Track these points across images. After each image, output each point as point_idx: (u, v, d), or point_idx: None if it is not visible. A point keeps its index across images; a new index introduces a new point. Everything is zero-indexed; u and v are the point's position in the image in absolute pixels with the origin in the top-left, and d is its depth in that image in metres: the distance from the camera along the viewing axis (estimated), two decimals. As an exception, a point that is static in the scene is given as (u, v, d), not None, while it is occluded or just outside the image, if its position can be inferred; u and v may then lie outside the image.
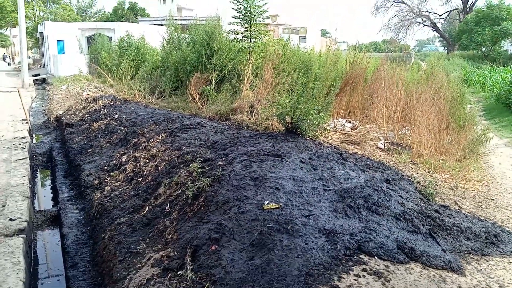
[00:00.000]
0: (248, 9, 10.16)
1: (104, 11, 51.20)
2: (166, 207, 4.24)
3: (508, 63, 29.04)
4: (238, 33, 10.87)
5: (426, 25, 50.57)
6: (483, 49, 35.38)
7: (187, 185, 4.25)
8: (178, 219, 3.84)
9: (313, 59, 11.42)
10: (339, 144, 6.24)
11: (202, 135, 6.19)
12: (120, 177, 5.75)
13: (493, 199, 5.21)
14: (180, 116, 7.97)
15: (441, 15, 51.59)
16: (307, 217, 3.26)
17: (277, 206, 3.45)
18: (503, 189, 5.82)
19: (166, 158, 5.56)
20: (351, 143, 6.43)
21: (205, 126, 6.84)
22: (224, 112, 8.38)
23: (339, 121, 7.77)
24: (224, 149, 5.22)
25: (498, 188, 5.83)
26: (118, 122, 8.44)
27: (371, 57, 11.96)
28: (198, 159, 4.91)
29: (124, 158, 6.23)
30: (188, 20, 17.37)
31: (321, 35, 51.06)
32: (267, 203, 3.50)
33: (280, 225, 3.14)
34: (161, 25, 16.19)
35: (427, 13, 49.87)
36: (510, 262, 3.24)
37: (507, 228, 4.07)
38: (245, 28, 10.54)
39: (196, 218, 3.66)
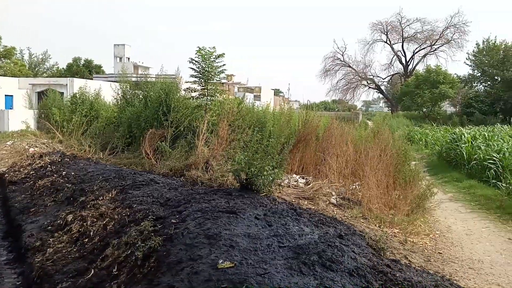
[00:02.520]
0: (206, 69, 10.48)
1: (58, 67, 50.57)
2: (114, 270, 4.01)
3: (448, 122, 31.40)
4: (195, 91, 11.09)
5: (371, 87, 54.25)
6: (424, 109, 38.17)
7: (137, 245, 4.07)
8: (126, 282, 3.63)
9: (267, 117, 11.78)
10: (293, 200, 6.31)
11: (155, 192, 6.05)
12: (64, 238, 5.42)
13: (441, 253, 5.40)
14: (132, 173, 7.79)
15: (384, 78, 55.75)
16: (262, 275, 3.20)
17: (231, 265, 3.37)
18: (449, 242, 6.06)
19: (116, 216, 5.34)
20: (305, 199, 6.53)
21: (158, 183, 6.71)
22: (179, 168, 8.30)
23: (293, 177, 7.91)
24: (178, 206, 5.11)
25: (445, 242, 6.06)
26: (66, 179, 8.10)
27: (322, 115, 12.53)
28: (150, 217, 4.76)
29: (70, 217, 5.92)
30: (143, 77, 17.56)
31: (274, 94, 53.06)
32: (221, 262, 3.42)
33: (235, 285, 3.05)
34: (116, 81, 16.27)
35: (371, 77, 53.70)
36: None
37: (455, 282, 4.20)
38: (202, 86, 10.79)
39: (146, 280, 3.48)
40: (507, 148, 11.71)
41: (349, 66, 52.95)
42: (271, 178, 5.90)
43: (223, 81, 12.61)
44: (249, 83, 50.01)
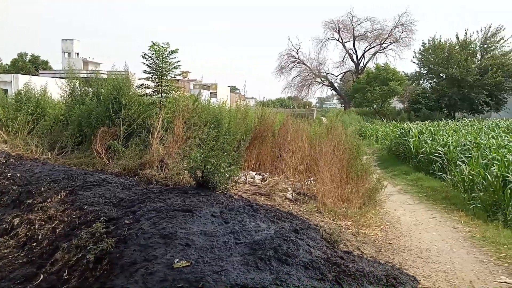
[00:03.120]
0: (160, 65, 10.25)
1: (1, 63, 47.60)
2: (64, 274, 3.84)
3: (397, 118, 32.81)
4: (149, 88, 10.82)
5: (325, 85, 55.64)
6: (375, 106, 39.64)
7: (88, 247, 3.93)
8: (77, 286, 3.49)
9: (223, 114, 11.74)
10: (250, 196, 6.34)
11: (108, 192, 5.86)
12: (11, 242, 5.13)
13: (391, 243, 5.64)
14: (83, 173, 7.49)
15: (337, 75, 57.38)
16: (219, 273, 3.20)
17: (187, 264, 3.33)
18: (399, 233, 6.34)
19: (66, 219, 5.12)
20: (262, 195, 6.57)
21: (111, 183, 6.50)
22: (133, 168, 8.08)
23: (250, 174, 7.95)
24: (132, 206, 4.98)
25: (395, 232, 6.33)
26: (11, 181, 7.64)
27: (278, 112, 12.67)
28: (102, 218, 4.60)
29: (16, 221, 5.60)
30: (93, 73, 16.89)
31: (231, 91, 53.07)
32: (177, 262, 3.37)
33: (191, 283, 3.03)
34: (64, 77, 15.52)
35: (325, 74, 55.04)
36: (408, 302, 3.48)
37: (405, 270, 4.40)
38: (156, 83, 10.55)
39: (98, 283, 3.37)
40: (451, 142, 12.40)
41: (304, 64, 54.00)
42: (227, 175, 5.89)
43: (178, 77, 12.39)
44: (205, 80, 49.62)
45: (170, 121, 10.08)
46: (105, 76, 13.78)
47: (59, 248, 4.31)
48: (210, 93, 38.58)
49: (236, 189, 6.55)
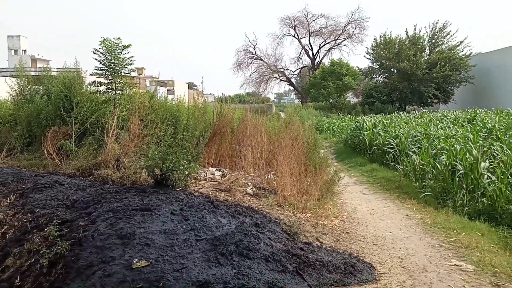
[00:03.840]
0: (112, 61, 9.93)
1: None
2: (16, 281, 3.66)
3: (352, 112, 33.75)
4: (101, 85, 10.46)
5: (282, 80, 56.24)
6: (331, 100, 40.56)
7: (41, 252, 3.76)
8: (30, 293, 3.33)
9: (181, 111, 11.58)
10: (211, 193, 6.31)
11: (60, 194, 5.62)
12: (-46, 252, 4.80)
13: (349, 232, 5.81)
14: (33, 175, 7.14)
15: (294, 71, 58.14)
16: (180, 270, 3.16)
17: (147, 264, 3.27)
18: (356, 222, 6.54)
19: (16, 223, 4.86)
20: (222, 191, 6.56)
21: (63, 184, 6.24)
22: (87, 168, 7.80)
23: (210, 170, 7.90)
24: (87, 207, 4.81)
25: (352, 222, 6.53)
26: (-47, 186, 7.15)
27: (236, 108, 12.67)
28: (55, 221, 4.42)
29: (-41, 228, 5.25)
30: (43, 70, 16.09)
31: (188, 88, 52.36)
32: (136, 262, 3.30)
33: (151, 283, 2.98)
34: (12, 76, 14.62)
35: (282, 70, 55.61)
36: (366, 288, 3.61)
37: (362, 258, 4.56)
38: (109, 80, 10.23)
39: (53, 288, 3.24)
40: (402, 134, 12.91)
41: (261, 60, 54.26)
42: (186, 172, 5.83)
43: (133, 74, 12.07)
44: (162, 77, 48.61)
45: (126, 119, 9.81)
46: (55, 73, 13.16)
47: (10, 254, 4.09)
48: (167, 89, 37.89)
49: (196, 186, 6.49)
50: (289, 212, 6.25)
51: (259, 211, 5.38)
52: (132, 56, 10.26)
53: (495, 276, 4.12)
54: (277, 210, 6.07)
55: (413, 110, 30.75)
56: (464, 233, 5.66)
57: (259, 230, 4.17)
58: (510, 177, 6.96)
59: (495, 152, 8.59)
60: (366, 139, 14.85)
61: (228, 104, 11.75)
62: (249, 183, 7.46)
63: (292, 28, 53.89)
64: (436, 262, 4.58)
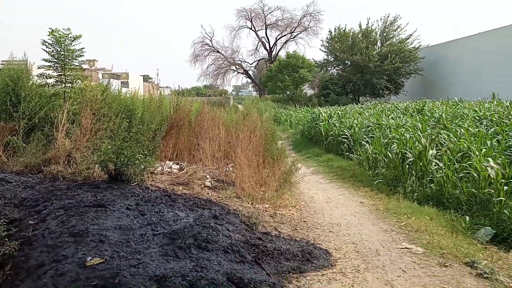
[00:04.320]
0: (62, 53, 9.48)
1: None
2: (-42, 286, 3.44)
3: (308, 104, 34.33)
4: (50, 77, 9.97)
5: (240, 72, 56.10)
6: (288, 92, 41.02)
7: (-13, 253, 3.55)
8: (-25, 297, 3.15)
9: (136, 104, 11.28)
10: (168, 186, 6.22)
11: (7, 192, 5.33)
12: None
13: (306, 221, 5.94)
14: (-23, 174, 6.72)
15: (252, 63, 58.16)
16: (136, 266, 3.10)
17: (101, 261, 3.18)
18: (313, 211, 6.69)
19: (-42, 225, 4.56)
20: (180, 184, 6.49)
21: (10, 182, 5.92)
22: (36, 164, 7.43)
23: (167, 164, 7.78)
24: (36, 205, 4.59)
25: (309, 211, 6.67)
26: None
27: (194, 101, 12.53)
28: (2, 220, 4.19)
29: None
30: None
31: (144, 80, 51.04)
32: (90, 259, 3.20)
33: (106, 280, 2.90)
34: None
35: (239, 62, 55.46)
36: (323, 275, 3.71)
37: (318, 245, 4.68)
38: (59, 72, 9.76)
39: (0, 291, 3.07)
40: (356, 124, 13.32)
41: (218, 52, 53.81)
42: (142, 166, 5.70)
43: (84, 66, 11.59)
44: (115, 69, 47.04)
45: (77, 113, 9.42)
46: (0, 66, 12.38)
47: (-49, 259, 3.84)
48: (121, 82, 36.75)
49: (153, 180, 6.37)
50: (248, 203, 6.29)
51: (218, 204, 5.37)
52: (82, 48, 9.86)
53: (443, 257, 4.37)
54: (236, 201, 6.09)
55: (366, 102, 31.77)
56: (414, 218, 5.95)
57: (218, 222, 4.17)
58: (456, 164, 7.36)
59: (442, 140, 9.05)
60: (322, 130, 15.19)
61: (185, 96, 11.58)
62: (208, 176, 7.42)
63: (248, 20, 53.80)
64: (388, 246, 4.79)
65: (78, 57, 9.85)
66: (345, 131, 13.18)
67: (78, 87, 10.18)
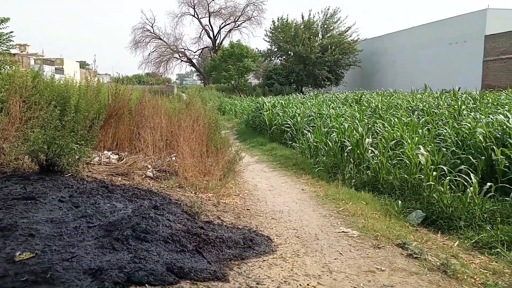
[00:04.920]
0: (-12, 37, 8.73)
1: None
2: None
3: (253, 93, 34.52)
4: (-27, 63, 9.15)
5: (183, 61, 55.01)
6: (232, 82, 40.93)
7: None
8: None
9: (71, 91, 10.67)
10: (106, 177, 5.98)
11: None
12: None
13: (249, 209, 5.99)
14: None
15: (195, 52, 57.22)
16: (70, 260, 2.96)
17: (31, 255, 3.00)
18: (256, 199, 6.77)
19: None
20: (119, 175, 6.26)
21: None
22: (-44, 156, 6.82)
23: (105, 154, 7.47)
24: (-44, 200, 4.22)
25: (252, 199, 6.75)
26: None
27: (135, 89, 12.10)
28: None
29: None
30: None
31: (80, 67, 48.42)
32: (19, 254, 3.00)
33: (37, 275, 2.74)
34: None
35: (183, 50, 54.31)
36: (264, 261, 3.77)
37: (260, 232, 4.74)
38: (-17, 57, 8.99)
39: None
40: (299, 114, 13.61)
41: (160, 39, 52.33)
42: (77, 157, 5.42)
43: (13, 51, 10.77)
44: (49, 54, 44.16)
45: (5, 101, 8.74)
46: None
47: None
48: (56, 69, 34.63)
49: (90, 171, 6.10)
50: (191, 193, 6.22)
51: (159, 194, 5.26)
52: (11, 32, 9.15)
53: (377, 239, 4.62)
54: (179, 191, 6.00)
55: (309, 92, 32.56)
56: (351, 203, 6.22)
57: (158, 213, 4.09)
58: (390, 151, 7.77)
59: (377, 129, 9.51)
60: (266, 120, 15.37)
61: (126, 84, 11.15)
62: (149, 166, 7.23)
63: (191, 7, 52.75)
64: (326, 230, 4.98)
65: (7, 41, 9.14)
66: (288, 120, 13.42)
67: (6, 73, 9.44)
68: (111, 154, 7.51)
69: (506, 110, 8.93)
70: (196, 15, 53.43)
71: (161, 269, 2.99)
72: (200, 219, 4.55)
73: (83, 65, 55.16)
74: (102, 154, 7.25)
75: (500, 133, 6.93)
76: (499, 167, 6.09)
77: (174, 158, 7.86)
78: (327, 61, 35.94)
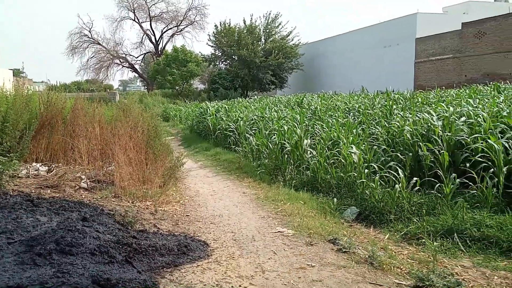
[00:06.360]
0: None
1: None
2: None
3: (198, 98, 34.28)
4: None
5: (125, 66, 53.35)
6: (177, 87, 40.37)
7: None
8: None
9: (-2, 101, 10.01)
10: (34, 190, 5.67)
11: None
12: None
13: (188, 215, 5.95)
14: None
15: (137, 57, 55.75)
16: (-16, 280, 2.78)
17: None
18: (197, 204, 6.74)
19: None
20: (48, 187, 5.96)
21: None
22: None
23: (33, 166, 7.08)
24: None
25: (193, 205, 6.70)
26: None
27: (70, 97, 11.61)
28: None
29: None
30: None
31: (14, 75, 45.44)
32: None
33: None
34: None
35: (124, 55, 52.71)
36: (198, 266, 3.76)
37: (197, 237, 4.73)
38: None
39: None
40: (241, 118, 13.71)
41: (99, 44, 50.43)
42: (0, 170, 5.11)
43: None
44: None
45: None
46: None
47: None
48: (-17, 77, 32.22)
49: (16, 185, 5.75)
50: (128, 202, 6.06)
51: (90, 205, 5.08)
52: None
53: (310, 237, 4.76)
54: (113, 201, 5.83)
55: (254, 96, 32.91)
56: (289, 203, 6.36)
57: (87, 224, 3.94)
58: (327, 151, 8.04)
59: (316, 130, 9.82)
60: (210, 125, 15.33)
61: (61, 92, 10.67)
62: (83, 177, 6.96)
63: (131, 11, 51.31)
64: (263, 231, 5.06)
65: None
66: (231, 124, 13.47)
67: None
68: (40, 165, 7.14)
69: (432, 108, 9.57)
70: (136, 20, 52.10)
71: (86, 282, 2.89)
72: (134, 228, 4.45)
73: (16, 73, 51.84)
74: (30, 166, 6.87)
75: (425, 130, 7.40)
76: (425, 162, 6.50)
77: (111, 168, 7.62)
78: (271, 65, 36.52)
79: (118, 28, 53.40)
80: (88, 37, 49.73)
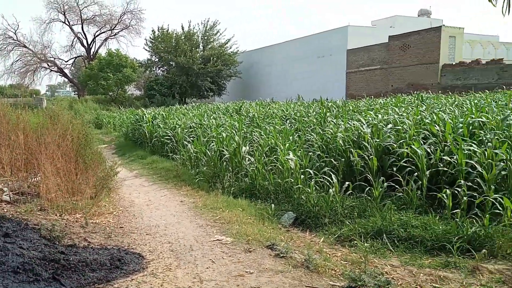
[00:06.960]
0: None
1: None
2: None
3: (133, 105, 33.21)
4: None
5: (53, 70, 50.25)
6: (111, 93, 38.79)
7: None
8: None
9: None
10: None
11: None
12: None
13: (122, 227, 5.71)
14: None
15: (67, 61, 52.83)
16: None
17: None
18: (131, 215, 6.49)
19: None
20: (-37, 202, 5.43)
21: None
22: None
23: None
24: None
25: (127, 216, 6.45)
26: None
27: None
28: None
29: None
30: None
31: None
32: None
33: None
34: None
35: (52, 59, 49.70)
36: (132, 280, 3.62)
37: (131, 250, 4.55)
38: None
39: None
40: (179, 125, 13.49)
41: (25, 47, 47.12)
42: None
43: None
44: None
45: None
46: None
47: None
48: None
49: None
50: (55, 215, 5.69)
51: (13, 219, 4.69)
52: None
53: (248, 244, 4.79)
54: (39, 215, 5.43)
55: (192, 103, 32.58)
56: (228, 211, 6.35)
57: (9, 241, 3.63)
58: (265, 158, 8.15)
59: (254, 137, 9.92)
60: (146, 132, 14.90)
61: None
62: (5, 189, 6.43)
63: (61, 13, 48.56)
64: (202, 240, 4.99)
65: None
66: (168, 132, 13.20)
67: None
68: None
69: (362, 116, 10.09)
70: (67, 22, 49.36)
71: (6, 304, 2.66)
72: (62, 243, 4.18)
73: None
74: None
75: (356, 137, 7.78)
76: (356, 167, 6.83)
77: (38, 179, 7.12)
78: (209, 72, 36.42)
79: (46, 31, 50.14)
80: (13, 39, 46.25)
